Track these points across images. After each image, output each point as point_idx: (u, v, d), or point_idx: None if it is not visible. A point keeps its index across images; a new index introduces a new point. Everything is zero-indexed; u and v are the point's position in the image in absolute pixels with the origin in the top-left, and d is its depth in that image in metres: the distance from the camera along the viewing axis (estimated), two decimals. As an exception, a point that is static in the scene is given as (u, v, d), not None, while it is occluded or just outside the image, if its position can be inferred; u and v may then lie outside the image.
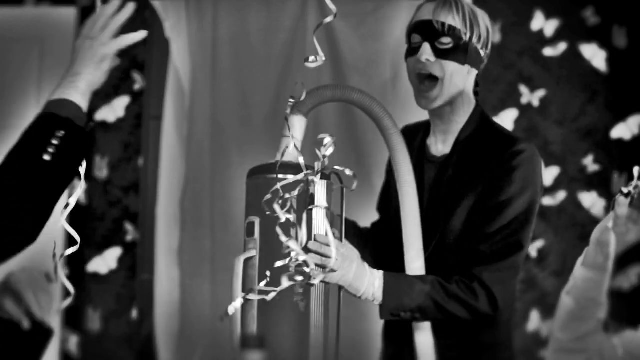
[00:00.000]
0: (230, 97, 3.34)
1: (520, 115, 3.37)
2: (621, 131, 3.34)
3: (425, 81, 1.68)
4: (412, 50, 1.70)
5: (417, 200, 1.59)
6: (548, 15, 3.38)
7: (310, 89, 1.56)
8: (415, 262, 1.60)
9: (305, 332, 1.42)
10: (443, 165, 1.73)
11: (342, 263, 1.48)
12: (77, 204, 3.45)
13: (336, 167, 1.53)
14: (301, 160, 1.47)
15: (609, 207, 1.43)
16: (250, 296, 1.42)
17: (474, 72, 1.71)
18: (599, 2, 3.36)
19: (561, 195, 3.33)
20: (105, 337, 3.42)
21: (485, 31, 1.71)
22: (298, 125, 1.53)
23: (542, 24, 3.38)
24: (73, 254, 3.25)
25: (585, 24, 3.37)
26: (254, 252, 1.44)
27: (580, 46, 3.36)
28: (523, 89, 3.37)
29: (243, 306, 1.43)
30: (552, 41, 3.37)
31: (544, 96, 3.37)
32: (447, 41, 1.65)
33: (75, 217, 3.43)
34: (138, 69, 3.48)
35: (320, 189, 1.47)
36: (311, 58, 1.51)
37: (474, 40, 1.68)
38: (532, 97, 3.37)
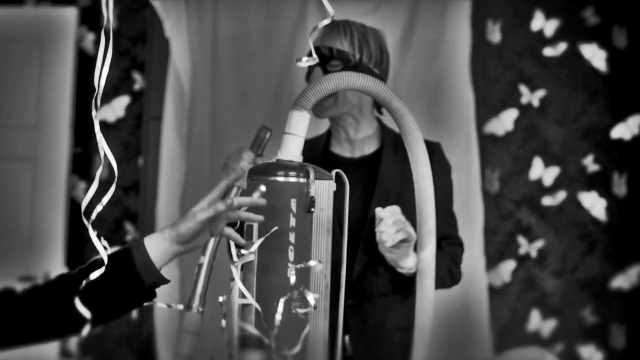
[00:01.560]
0: (230, 97, 3.34)
1: (520, 115, 3.37)
2: (621, 131, 3.34)
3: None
4: (309, 74, 1.91)
5: (432, 181, 1.60)
6: (548, 15, 3.38)
7: (312, 81, 1.53)
8: (429, 247, 1.57)
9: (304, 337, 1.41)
10: (368, 162, 1.95)
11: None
12: (77, 204, 3.46)
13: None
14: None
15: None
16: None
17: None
18: (599, 2, 3.36)
19: (561, 195, 3.33)
20: (105, 337, 3.42)
21: (378, 50, 1.88)
22: (301, 121, 1.50)
23: (542, 24, 3.38)
24: (73, 254, 3.25)
25: (585, 24, 3.37)
26: (252, 257, 1.42)
27: (580, 46, 3.36)
28: (523, 89, 3.37)
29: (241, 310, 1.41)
30: (552, 41, 3.37)
31: (544, 96, 3.37)
32: (336, 64, 1.83)
33: (76, 217, 3.43)
34: (138, 69, 3.48)
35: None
36: (304, 58, 1.50)
37: (365, 60, 1.84)
38: (532, 97, 3.37)
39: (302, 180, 1.41)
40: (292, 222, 1.40)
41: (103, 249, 1.29)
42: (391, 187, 1.92)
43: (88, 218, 1.25)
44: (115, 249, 1.43)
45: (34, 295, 1.35)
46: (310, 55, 1.64)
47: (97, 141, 1.27)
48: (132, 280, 1.33)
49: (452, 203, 2.02)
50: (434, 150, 1.96)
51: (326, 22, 1.47)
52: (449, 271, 1.95)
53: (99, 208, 1.33)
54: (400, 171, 1.92)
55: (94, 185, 1.26)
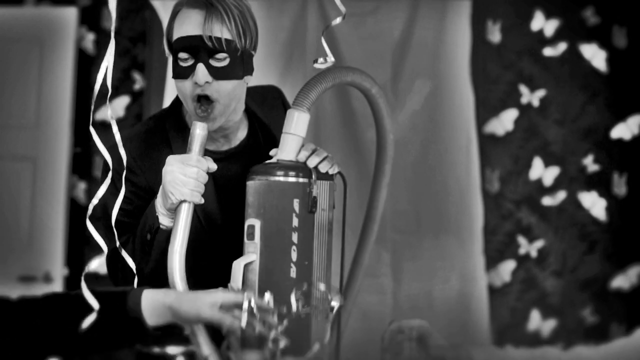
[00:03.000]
0: (230, 97, 3.33)
1: (520, 115, 3.37)
2: (621, 131, 3.34)
3: (202, 101, 1.52)
4: (182, 70, 1.51)
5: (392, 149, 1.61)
6: (548, 15, 3.38)
7: (308, 81, 1.52)
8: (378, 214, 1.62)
9: (306, 337, 1.41)
10: (237, 154, 1.66)
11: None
12: (77, 204, 3.45)
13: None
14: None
15: None
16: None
17: (249, 77, 1.59)
18: (599, 2, 3.36)
19: (561, 195, 3.33)
20: (105, 337, 3.41)
21: (254, 27, 1.55)
22: (300, 121, 1.49)
23: (542, 24, 3.38)
24: (73, 254, 3.24)
25: (585, 24, 3.37)
26: (254, 257, 1.41)
27: (580, 46, 3.36)
28: (523, 89, 3.37)
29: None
30: (552, 41, 3.37)
31: (544, 96, 3.37)
32: (222, 57, 1.49)
33: (76, 217, 3.43)
34: (138, 69, 3.48)
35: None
36: (320, 60, 1.48)
37: (248, 45, 1.53)
38: (532, 97, 3.37)
39: (304, 180, 1.41)
40: (295, 222, 1.39)
41: (104, 245, 1.30)
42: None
43: (93, 218, 1.26)
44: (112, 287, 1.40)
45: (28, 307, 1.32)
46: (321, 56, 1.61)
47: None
48: (125, 321, 1.28)
49: None
50: (277, 96, 1.78)
51: (338, 20, 1.46)
52: None
53: (94, 201, 1.32)
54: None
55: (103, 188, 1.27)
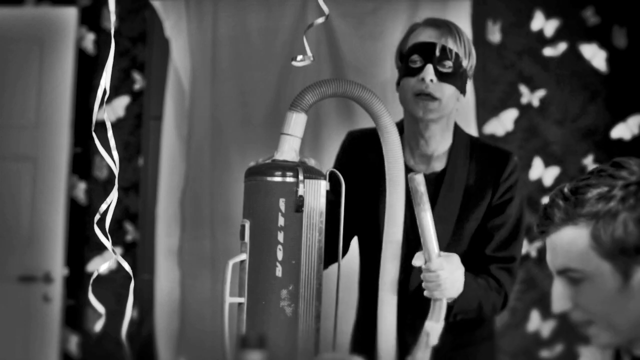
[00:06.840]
0: (230, 97, 3.34)
1: (520, 115, 3.37)
2: (621, 131, 3.34)
3: (424, 97, 1.72)
4: (411, 70, 1.74)
5: (404, 203, 1.53)
6: (548, 15, 3.38)
7: (311, 84, 1.53)
8: (389, 263, 1.52)
9: (293, 337, 1.41)
10: (438, 180, 1.79)
11: (449, 274, 1.48)
12: (77, 204, 3.46)
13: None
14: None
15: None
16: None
17: (462, 97, 1.79)
18: (599, 2, 3.36)
19: (561, 195, 3.33)
20: (105, 337, 3.42)
21: (474, 59, 1.79)
22: (298, 122, 1.51)
23: (542, 24, 3.38)
24: (73, 254, 3.26)
25: (585, 24, 3.37)
26: (244, 256, 1.43)
27: (580, 46, 3.36)
28: (523, 89, 3.37)
29: (235, 309, 1.42)
30: (552, 41, 3.37)
31: (544, 96, 3.37)
32: (448, 65, 1.72)
33: (76, 217, 3.43)
34: (138, 69, 3.48)
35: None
36: (299, 57, 1.52)
37: (468, 69, 1.76)
38: (532, 97, 3.37)
39: (290, 179, 1.42)
40: (281, 221, 1.40)
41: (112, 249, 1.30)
42: (452, 207, 1.77)
43: (100, 225, 1.25)
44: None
45: None
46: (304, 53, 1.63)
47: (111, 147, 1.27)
48: None
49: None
50: (509, 160, 1.81)
51: (321, 20, 1.49)
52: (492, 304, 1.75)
53: (103, 207, 1.32)
54: (464, 190, 1.78)
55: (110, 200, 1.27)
